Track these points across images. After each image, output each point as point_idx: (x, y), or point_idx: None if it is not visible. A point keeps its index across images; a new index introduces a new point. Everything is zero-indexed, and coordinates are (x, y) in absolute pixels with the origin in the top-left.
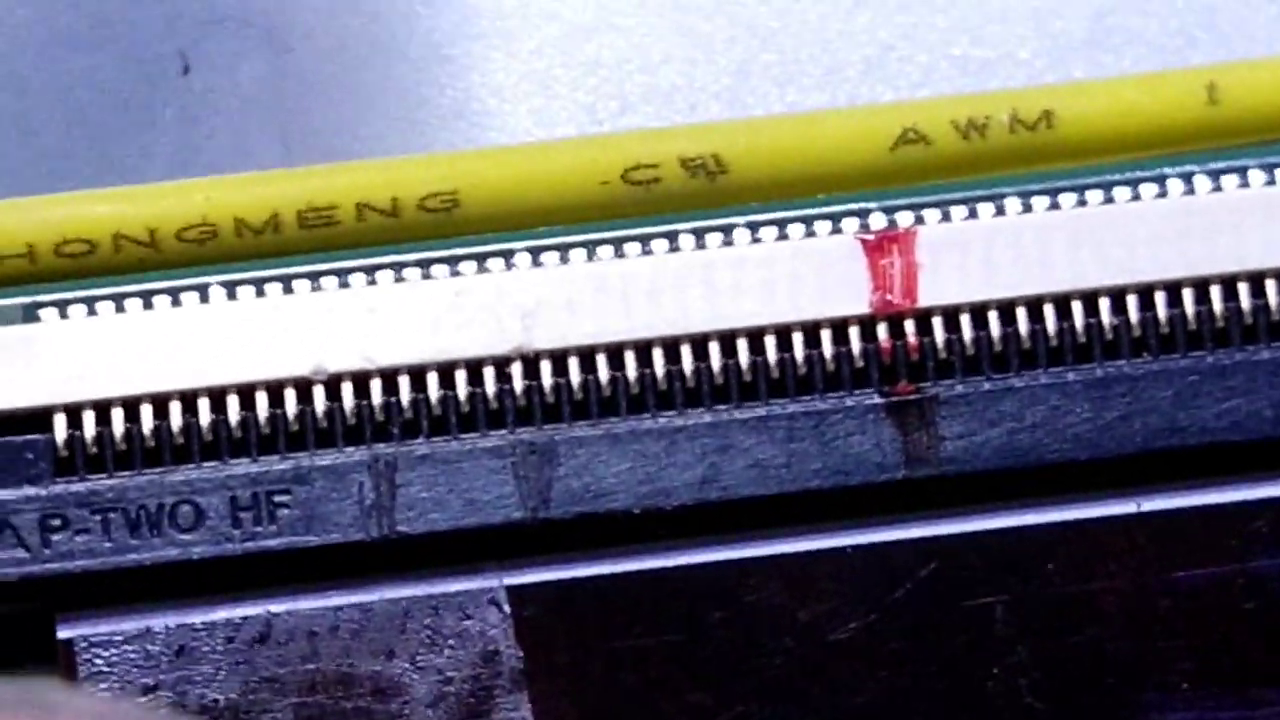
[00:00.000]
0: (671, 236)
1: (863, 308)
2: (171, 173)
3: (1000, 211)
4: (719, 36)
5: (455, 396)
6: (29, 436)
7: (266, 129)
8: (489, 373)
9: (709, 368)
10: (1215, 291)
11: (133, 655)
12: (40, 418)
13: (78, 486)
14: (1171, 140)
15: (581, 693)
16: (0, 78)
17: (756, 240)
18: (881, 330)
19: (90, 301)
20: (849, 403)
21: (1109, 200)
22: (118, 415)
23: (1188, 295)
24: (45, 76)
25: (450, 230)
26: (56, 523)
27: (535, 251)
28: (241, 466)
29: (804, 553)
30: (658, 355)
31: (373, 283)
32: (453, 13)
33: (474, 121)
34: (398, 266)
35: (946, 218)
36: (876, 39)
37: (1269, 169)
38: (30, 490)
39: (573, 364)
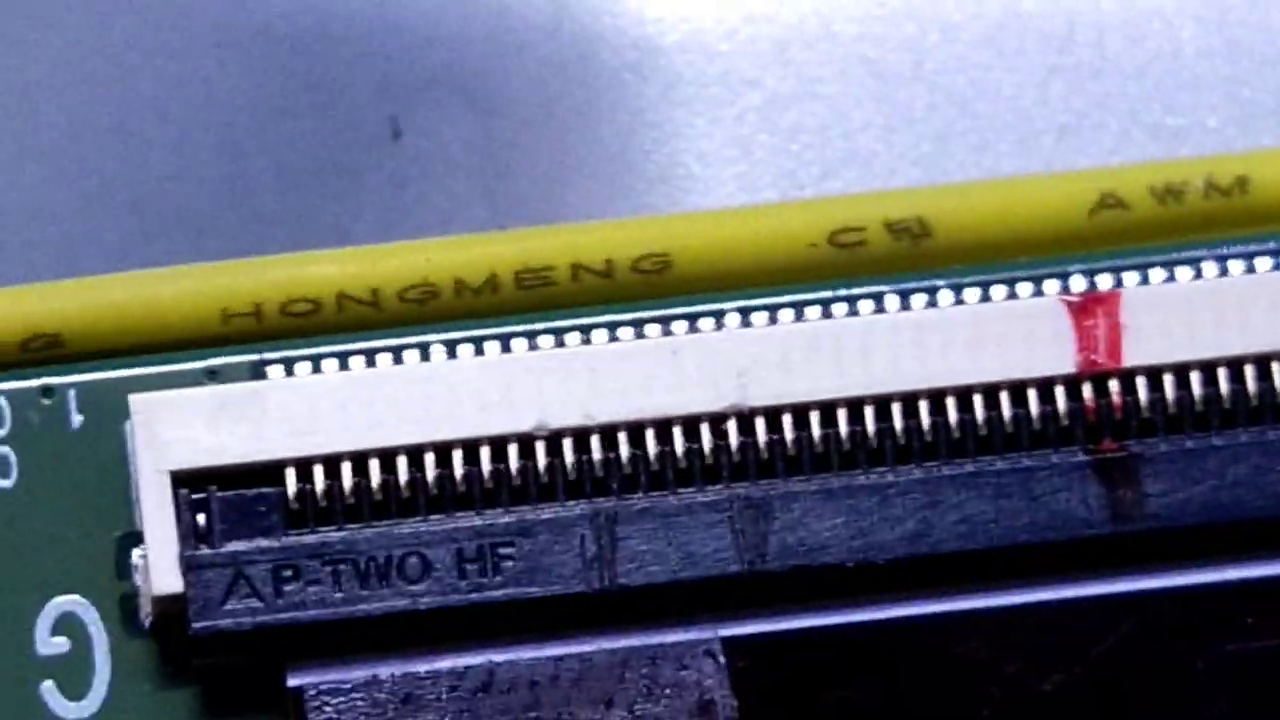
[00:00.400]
0: (877, 298)
1: (1068, 368)
2: (380, 236)
3: (1198, 274)
4: (917, 104)
5: (673, 452)
6: (261, 490)
7: (474, 193)
8: (705, 429)
9: (919, 425)
10: None
11: (360, 703)
12: (272, 472)
13: (309, 538)
14: None
15: None
16: (218, 142)
17: (960, 301)
18: (1086, 389)
19: (315, 359)
20: (1055, 460)
21: None
22: (346, 469)
23: None
24: (260, 141)
25: (662, 291)
26: (289, 574)
27: (745, 311)
28: (466, 520)
29: (1010, 606)
30: (869, 413)
31: (588, 341)
32: (658, 80)
33: (678, 186)
34: (612, 326)
35: (1145, 280)
36: (1070, 106)
37: None
38: (264, 542)
39: (786, 421)
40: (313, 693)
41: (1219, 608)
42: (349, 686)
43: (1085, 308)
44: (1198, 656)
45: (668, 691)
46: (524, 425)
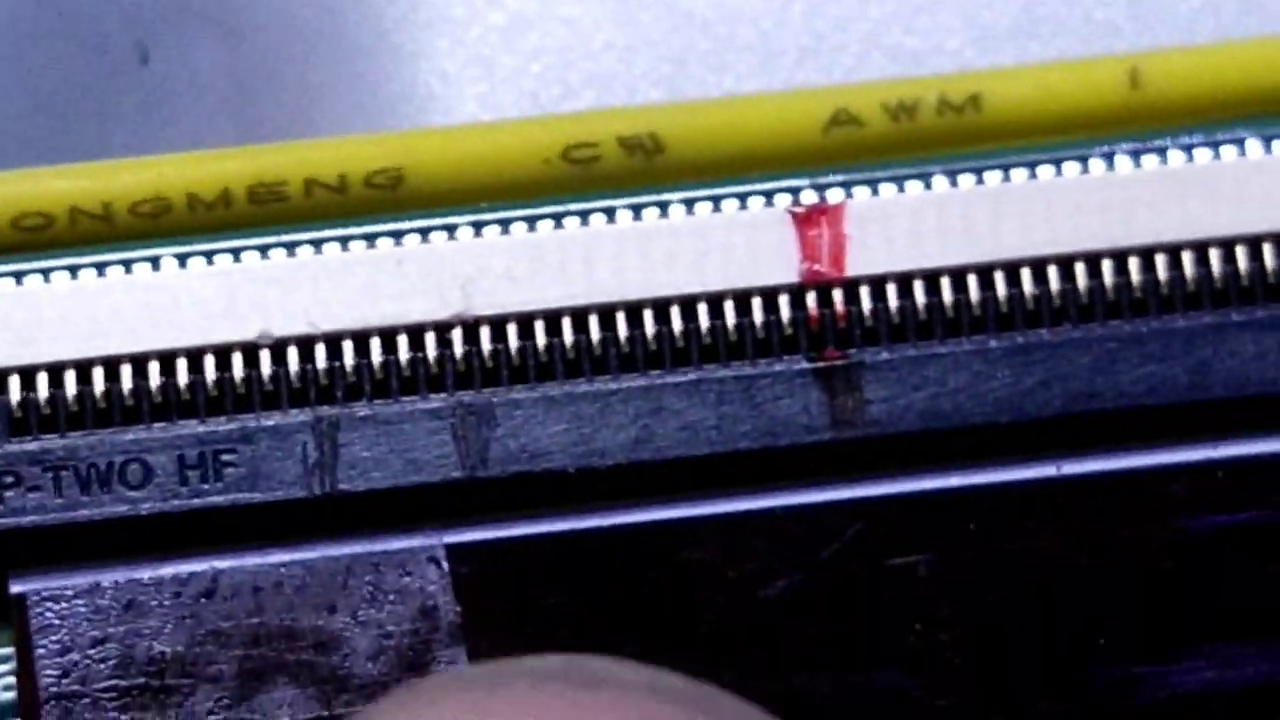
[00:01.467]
0: (609, 212)
1: (792, 277)
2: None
3: (927, 187)
4: (658, 25)
5: (397, 360)
6: None
7: (221, 115)
8: (430, 338)
9: (643, 334)
10: (1133, 263)
11: (82, 609)
12: None
13: (30, 445)
14: (1094, 124)
15: (517, 647)
16: None
17: (691, 214)
18: (810, 299)
19: (45, 273)
20: (778, 368)
21: (1033, 176)
22: (70, 378)
23: (1107, 266)
24: (11, 67)
25: (396, 207)
26: (10, 480)
27: (478, 226)
28: (189, 427)
29: (734, 513)
30: (593, 322)
31: (319, 254)
32: (401, 1)
33: (420, 106)
34: (344, 240)
35: (875, 194)
36: (810, 28)
37: (1187, 149)
38: None
39: (511, 330)
40: (35, 599)
41: (940, 514)
42: (71, 593)
43: (809, 218)
44: (919, 561)
45: (391, 598)
46: (248, 334)
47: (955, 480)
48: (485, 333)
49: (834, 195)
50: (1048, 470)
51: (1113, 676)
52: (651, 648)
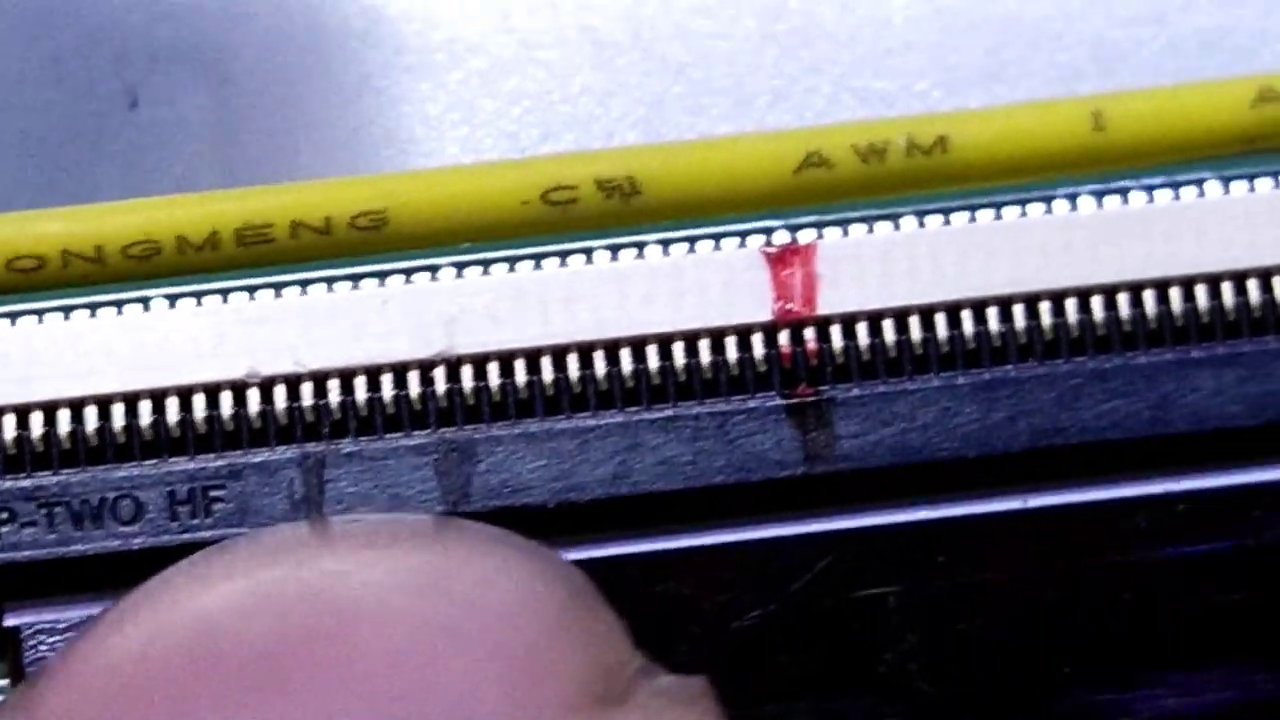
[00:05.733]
0: (588, 252)
1: (765, 316)
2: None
3: (896, 227)
4: (634, 70)
5: (381, 398)
6: None
7: (208, 159)
8: (413, 376)
9: (620, 372)
10: (1096, 301)
11: None
12: None
13: (25, 482)
14: (1058, 165)
15: None
16: None
17: (666, 254)
18: (783, 337)
19: (39, 313)
20: (751, 404)
21: (999, 217)
22: (63, 416)
23: (1070, 304)
24: (2, 112)
25: (380, 247)
26: (4, 515)
27: (460, 266)
28: (179, 464)
29: (708, 545)
30: (572, 360)
31: (305, 294)
32: (384, 47)
33: (403, 149)
34: (329, 280)
35: (846, 234)
36: (782, 71)
37: (1148, 190)
38: None
39: (492, 368)
40: (29, 631)
41: (909, 546)
42: (64, 625)
43: (782, 258)
44: (888, 593)
45: None
46: (236, 373)
47: (924, 513)
48: (467, 371)
49: (806, 235)
50: (1014, 503)
51: (1077, 704)
52: None
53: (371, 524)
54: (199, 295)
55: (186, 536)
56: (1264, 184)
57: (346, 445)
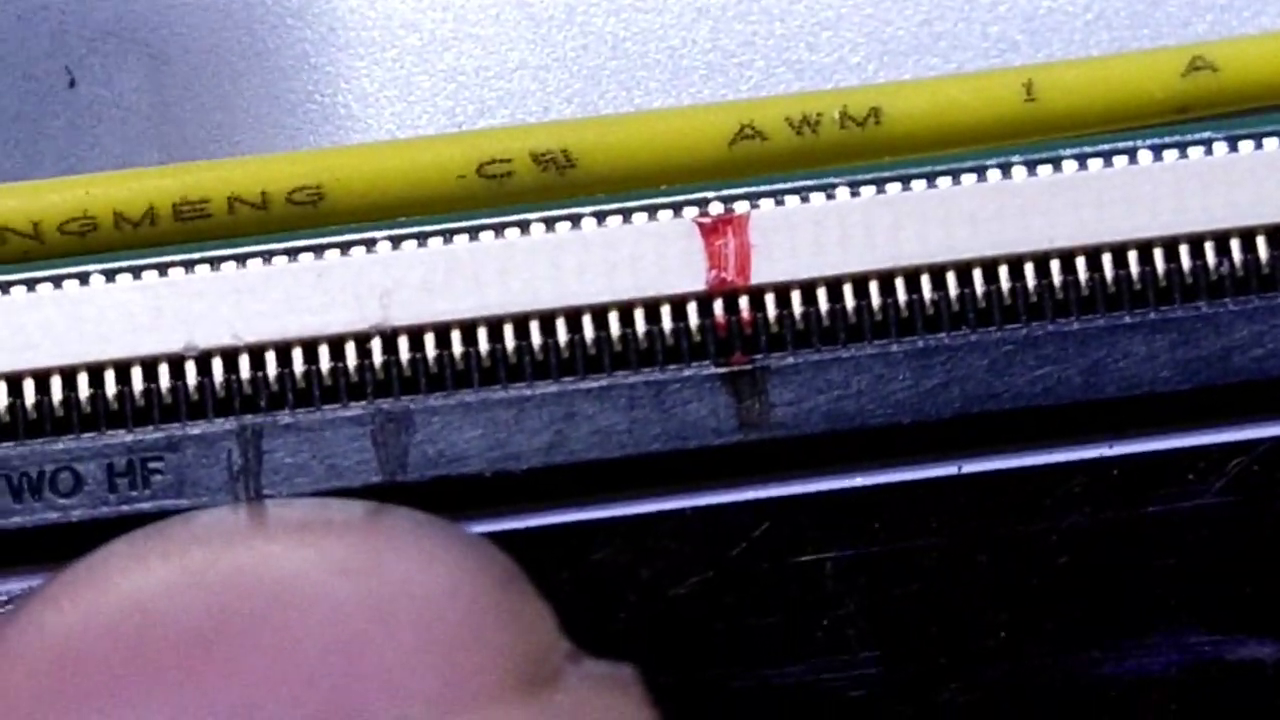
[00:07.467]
0: (523, 225)
1: (700, 285)
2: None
3: (830, 197)
4: (570, 45)
5: (318, 370)
6: None
7: (147, 137)
8: (350, 348)
9: (555, 342)
10: (1028, 268)
11: None
12: None
13: None
14: (992, 135)
15: None
16: None
17: (601, 226)
18: (717, 306)
19: None
20: (686, 373)
21: (932, 186)
22: (0, 390)
23: (1003, 271)
24: None
25: (317, 222)
26: None
27: (396, 239)
28: (117, 436)
29: (645, 514)
30: (508, 331)
31: (242, 268)
32: (320, 24)
33: (340, 125)
34: (266, 254)
35: (780, 204)
36: (717, 45)
37: (1080, 159)
38: None
39: (428, 340)
40: None
41: (846, 512)
42: (5, 597)
43: (715, 228)
44: (825, 559)
45: None
46: (174, 346)
47: (859, 480)
48: (404, 342)
49: (740, 206)
50: (948, 469)
51: (1013, 668)
52: None
53: (304, 508)
54: (136, 270)
55: (125, 508)
56: (1195, 152)
57: (284, 417)
